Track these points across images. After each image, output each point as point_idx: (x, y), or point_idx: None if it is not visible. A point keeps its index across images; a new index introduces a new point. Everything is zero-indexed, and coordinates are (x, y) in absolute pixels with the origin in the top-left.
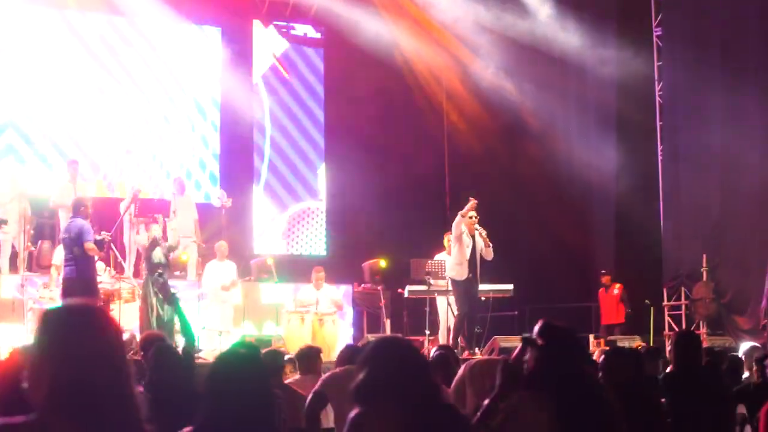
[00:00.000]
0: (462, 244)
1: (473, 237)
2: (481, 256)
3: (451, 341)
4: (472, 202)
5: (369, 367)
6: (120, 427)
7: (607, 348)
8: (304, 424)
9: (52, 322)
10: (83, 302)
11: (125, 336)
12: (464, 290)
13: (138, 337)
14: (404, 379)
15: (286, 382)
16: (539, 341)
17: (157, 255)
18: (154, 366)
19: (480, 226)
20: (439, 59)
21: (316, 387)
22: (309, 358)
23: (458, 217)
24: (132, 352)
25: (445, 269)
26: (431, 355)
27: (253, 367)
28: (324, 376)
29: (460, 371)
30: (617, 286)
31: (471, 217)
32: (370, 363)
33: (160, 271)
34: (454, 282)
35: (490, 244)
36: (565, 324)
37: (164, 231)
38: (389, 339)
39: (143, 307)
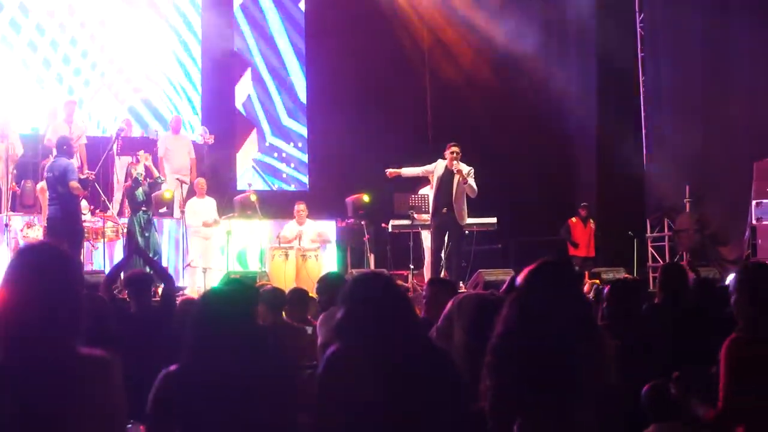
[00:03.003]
0: (431, 182)
1: (453, 172)
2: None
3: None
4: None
5: (349, 304)
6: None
7: (596, 281)
8: None
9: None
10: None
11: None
12: (435, 226)
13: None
14: (383, 315)
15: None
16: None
17: (140, 194)
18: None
19: (459, 162)
20: None
21: (321, 339)
22: None
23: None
24: (117, 290)
25: (428, 204)
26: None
27: (238, 304)
28: (319, 324)
29: (448, 306)
30: (592, 220)
31: (452, 153)
32: (349, 299)
33: (144, 208)
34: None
35: (468, 181)
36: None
37: (149, 168)
38: (369, 274)
39: (128, 244)
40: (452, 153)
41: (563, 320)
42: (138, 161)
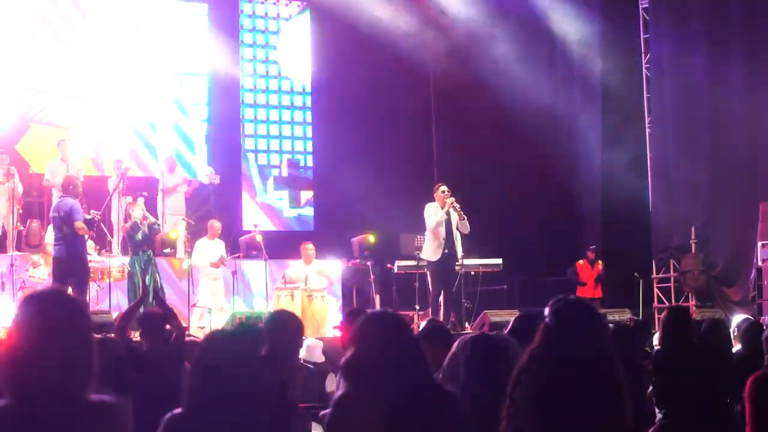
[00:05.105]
0: (438, 227)
1: (448, 213)
2: (459, 230)
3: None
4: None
5: (357, 344)
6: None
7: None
8: None
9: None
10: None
11: (116, 316)
12: (438, 269)
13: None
14: (392, 358)
15: None
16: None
17: (139, 236)
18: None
19: (451, 198)
20: (425, 35)
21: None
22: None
23: (428, 207)
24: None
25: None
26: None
27: (242, 347)
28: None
29: (454, 347)
30: (600, 262)
31: (443, 192)
32: (358, 340)
33: (144, 248)
34: (428, 262)
35: (465, 217)
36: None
37: (143, 213)
38: (378, 315)
39: (130, 285)
40: (443, 193)
41: (590, 354)
42: (135, 202)
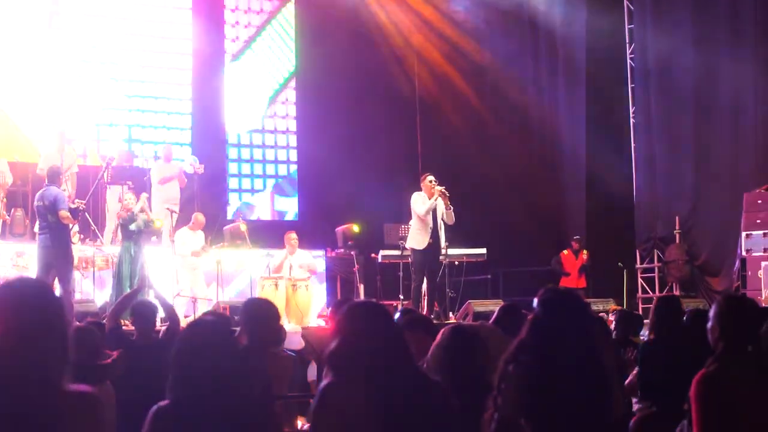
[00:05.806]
0: (426, 215)
1: (434, 203)
2: (444, 221)
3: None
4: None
5: (341, 334)
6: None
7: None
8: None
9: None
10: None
11: (100, 305)
12: (423, 259)
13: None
14: (377, 346)
15: None
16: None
17: (133, 227)
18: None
19: (441, 186)
20: (410, 22)
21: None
22: None
23: (415, 196)
24: (104, 318)
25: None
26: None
27: (222, 337)
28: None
29: (438, 337)
30: (585, 252)
31: (430, 182)
32: (342, 330)
33: (134, 238)
34: (414, 251)
35: (451, 207)
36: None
37: (143, 209)
38: (361, 304)
39: (116, 273)
40: (431, 182)
41: (575, 344)
42: (138, 199)
